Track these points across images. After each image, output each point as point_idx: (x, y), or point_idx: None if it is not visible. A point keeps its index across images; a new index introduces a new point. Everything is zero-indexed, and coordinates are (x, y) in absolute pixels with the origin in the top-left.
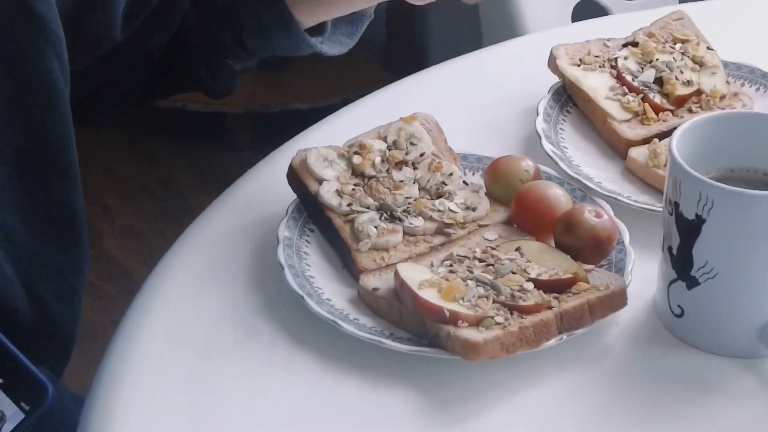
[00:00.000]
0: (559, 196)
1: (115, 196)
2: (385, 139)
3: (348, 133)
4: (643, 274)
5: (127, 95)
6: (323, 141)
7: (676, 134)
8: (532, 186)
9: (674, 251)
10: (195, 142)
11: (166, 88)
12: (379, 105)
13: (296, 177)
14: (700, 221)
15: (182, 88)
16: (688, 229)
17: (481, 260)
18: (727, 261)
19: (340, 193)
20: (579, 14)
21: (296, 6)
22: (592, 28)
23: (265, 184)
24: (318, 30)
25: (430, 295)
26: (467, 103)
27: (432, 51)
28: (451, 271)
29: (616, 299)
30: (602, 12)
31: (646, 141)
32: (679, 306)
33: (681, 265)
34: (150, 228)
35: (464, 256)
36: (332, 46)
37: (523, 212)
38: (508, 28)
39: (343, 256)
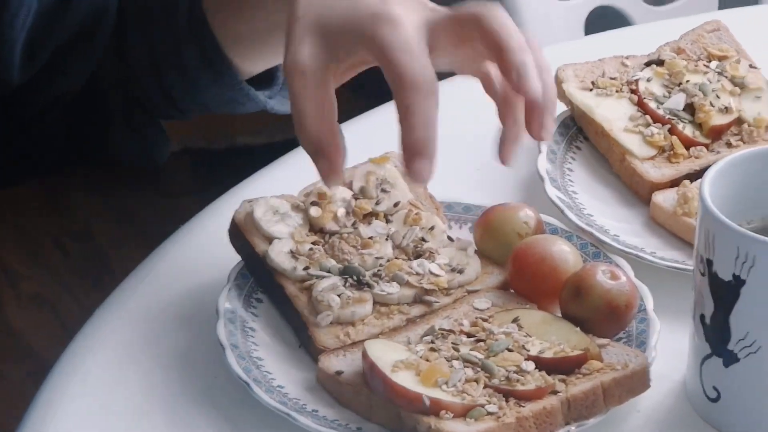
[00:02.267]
0: (565, 253)
1: (19, 254)
2: (350, 186)
3: (306, 178)
4: (671, 348)
5: (36, 162)
6: (274, 188)
7: (708, 175)
8: (532, 242)
9: (708, 320)
10: (118, 186)
11: (78, 157)
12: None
13: (240, 234)
14: (738, 283)
15: (97, 154)
16: (725, 293)
17: (469, 335)
18: None
19: (294, 254)
20: (593, 24)
21: (232, 46)
22: (608, 42)
23: (204, 242)
24: (267, 83)
25: (406, 380)
26: (453, 139)
27: None
28: (433, 349)
29: (637, 381)
30: (622, 21)
31: (674, 183)
32: (714, 388)
33: (716, 337)
34: (62, 295)
35: (449, 330)
36: (282, 102)
37: (522, 274)
38: None
39: (298, 332)
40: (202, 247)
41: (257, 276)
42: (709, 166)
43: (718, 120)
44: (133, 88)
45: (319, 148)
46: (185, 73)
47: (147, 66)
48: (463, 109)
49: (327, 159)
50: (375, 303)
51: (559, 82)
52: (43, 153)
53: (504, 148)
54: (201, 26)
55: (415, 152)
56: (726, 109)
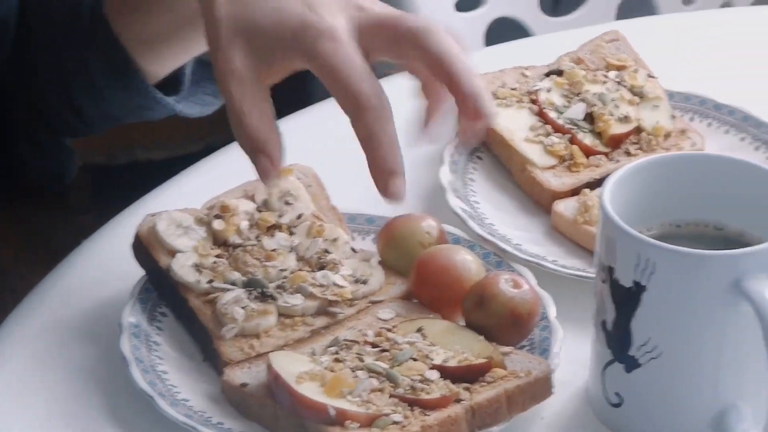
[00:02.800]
0: (468, 263)
1: None
2: (253, 199)
3: (209, 191)
4: (573, 355)
5: None
6: (178, 201)
7: (608, 183)
8: (434, 252)
9: (609, 327)
10: (19, 203)
11: None
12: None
13: (143, 249)
14: (639, 289)
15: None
16: (626, 300)
17: (374, 345)
18: (673, 337)
19: (198, 267)
20: (493, 34)
21: (138, 48)
22: (508, 53)
23: (107, 257)
24: (174, 88)
25: (310, 391)
26: (354, 151)
27: (317, 85)
28: (337, 360)
29: (540, 388)
30: (521, 32)
31: (575, 192)
32: (616, 393)
33: (618, 343)
34: None
35: (353, 341)
36: (191, 106)
37: (425, 284)
38: None
39: (202, 345)
40: (105, 261)
41: (161, 290)
42: (608, 175)
43: (618, 129)
44: (38, 101)
45: (259, 146)
46: (91, 81)
47: (52, 77)
48: None
49: (267, 156)
50: (279, 315)
51: None
52: None
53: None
54: (104, 30)
55: (388, 174)
56: (625, 118)
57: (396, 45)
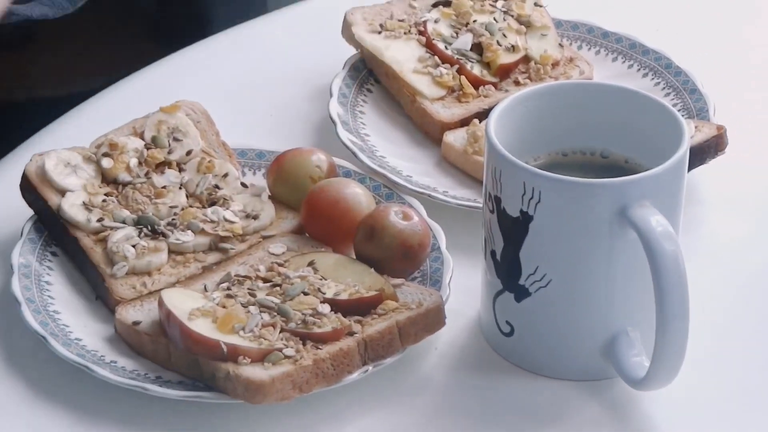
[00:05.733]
0: (358, 195)
1: None
2: (141, 136)
3: (97, 129)
4: (465, 286)
5: None
6: (66, 140)
7: (494, 113)
8: (325, 185)
9: (498, 256)
10: None
11: None
12: (134, 90)
13: (32, 188)
14: (526, 219)
15: None
16: (513, 229)
17: (265, 280)
18: (561, 265)
19: (87, 205)
20: None
21: None
22: None
23: None
24: None
25: (202, 327)
26: (244, 85)
27: (216, 13)
28: (229, 296)
29: (432, 318)
30: None
31: (464, 123)
32: (507, 323)
33: (507, 272)
34: None
35: (245, 277)
36: (36, 7)
37: (316, 218)
38: None
39: (94, 284)
40: None
41: (51, 229)
42: (497, 100)
43: (506, 59)
44: None
45: None
46: None
47: None
48: (256, 59)
49: None
50: (170, 252)
51: (348, 25)
52: None
53: None
54: None
55: None
56: (513, 48)
57: None
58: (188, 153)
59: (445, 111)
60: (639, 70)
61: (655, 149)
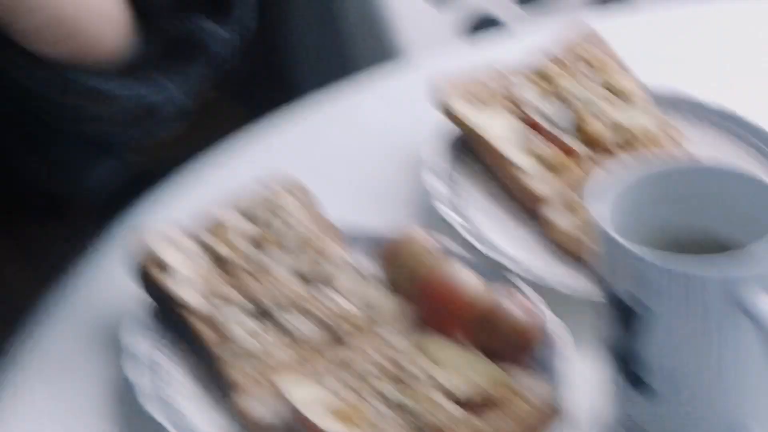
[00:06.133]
0: (472, 282)
1: None
2: (245, 214)
3: (192, 196)
4: (583, 378)
5: None
6: (163, 208)
7: (598, 194)
8: (438, 271)
9: (616, 349)
10: (18, 215)
11: None
12: (227, 158)
13: (141, 270)
14: (642, 309)
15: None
16: (630, 320)
17: (383, 370)
18: (682, 360)
19: (196, 286)
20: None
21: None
22: (484, 47)
23: (106, 274)
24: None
25: (323, 420)
26: (334, 156)
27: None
28: (350, 388)
29: (549, 413)
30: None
31: (562, 197)
32: (628, 415)
33: (625, 366)
34: None
35: (363, 367)
36: (126, 86)
37: (430, 306)
38: (378, 49)
39: (208, 368)
40: (106, 277)
41: (163, 311)
42: (594, 177)
43: (600, 130)
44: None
45: None
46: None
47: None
48: (343, 123)
49: None
50: (285, 337)
51: (441, 95)
52: None
53: None
54: None
55: None
56: (606, 119)
57: None
58: (296, 234)
59: (542, 185)
60: (734, 141)
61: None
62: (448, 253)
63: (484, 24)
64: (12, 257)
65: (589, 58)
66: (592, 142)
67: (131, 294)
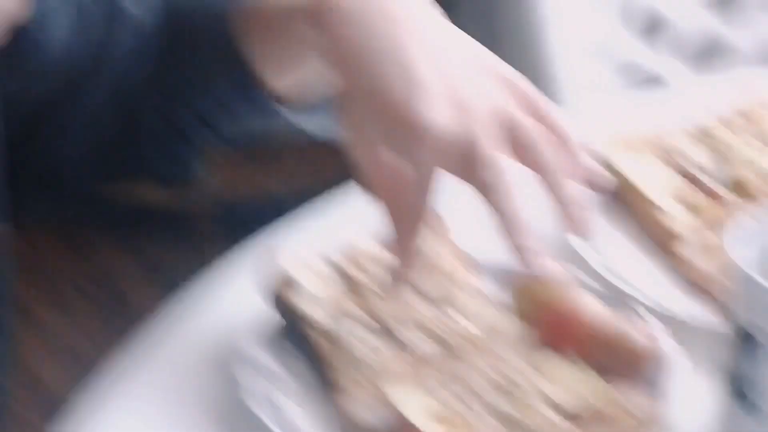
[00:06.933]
0: (591, 305)
1: (37, 297)
2: (381, 240)
3: (324, 227)
4: (696, 399)
5: (63, 182)
6: (300, 236)
7: (740, 237)
8: (558, 294)
9: (733, 375)
10: (140, 229)
11: (113, 172)
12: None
13: (275, 292)
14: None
15: (130, 171)
16: (754, 351)
17: (497, 387)
18: None
19: (327, 306)
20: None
21: (269, 64)
22: (645, 102)
23: (229, 292)
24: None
25: None
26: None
27: None
28: (463, 402)
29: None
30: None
31: (697, 233)
32: None
33: (740, 391)
34: (80, 338)
35: (476, 382)
36: (319, 124)
37: (548, 326)
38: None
39: (325, 382)
40: (228, 295)
41: (288, 328)
42: (739, 222)
43: (748, 176)
44: (166, 113)
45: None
46: (216, 99)
47: (178, 90)
48: None
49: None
50: (404, 354)
51: (597, 148)
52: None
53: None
54: (232, 46)
55: None
56: (758, 169)
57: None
58: (425, 257)
59: (679, 224)
60: None
61: None
62: (577, 282)
63: (649, 81)
64: (139, 276)
65: (762, 125)
66: (737, 186)
67: (254, 311)
